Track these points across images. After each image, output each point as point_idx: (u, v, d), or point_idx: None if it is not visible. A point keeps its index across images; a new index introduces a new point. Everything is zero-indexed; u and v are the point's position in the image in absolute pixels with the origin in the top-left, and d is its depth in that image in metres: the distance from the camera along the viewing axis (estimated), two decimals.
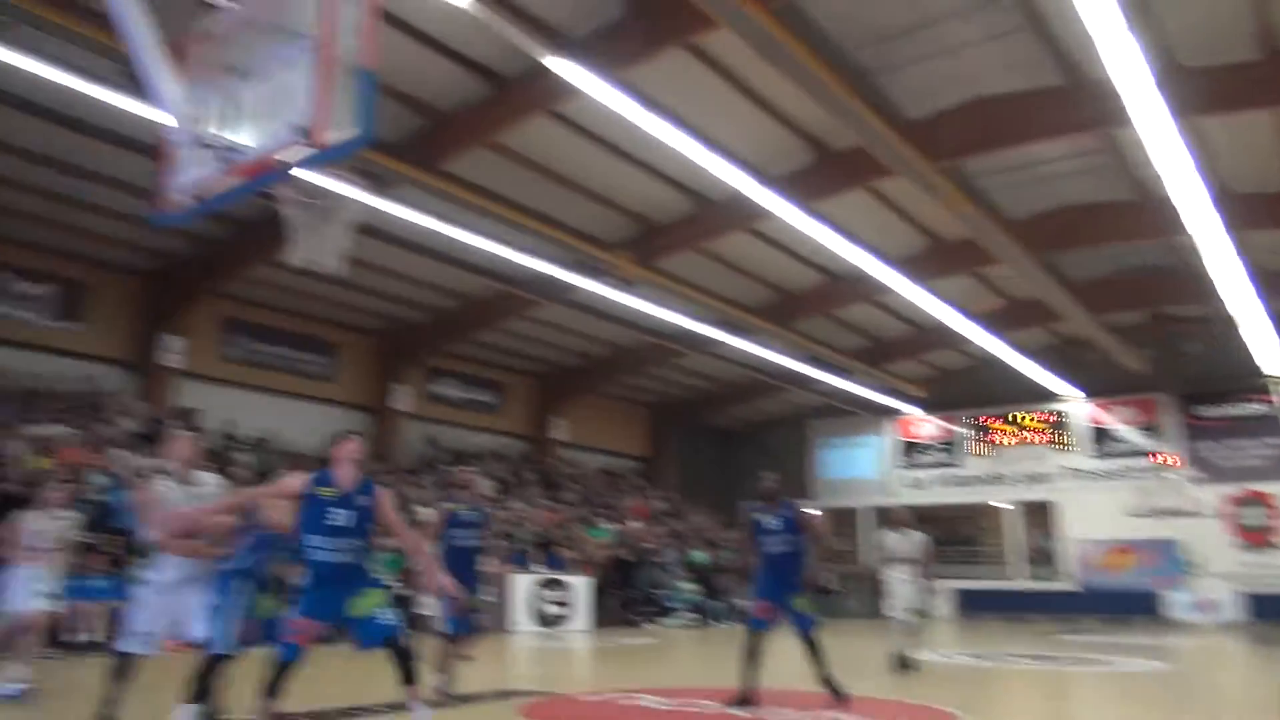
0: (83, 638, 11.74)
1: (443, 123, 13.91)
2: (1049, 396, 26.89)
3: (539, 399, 26.37)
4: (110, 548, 12.80)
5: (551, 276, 17.79)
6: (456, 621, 7.58)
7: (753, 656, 7.53)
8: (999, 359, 23.68)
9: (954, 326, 21.05)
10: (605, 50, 11.77)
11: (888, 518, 11.76)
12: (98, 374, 16.86)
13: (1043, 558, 28.54)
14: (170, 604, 5.76)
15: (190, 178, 5.56)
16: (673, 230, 17.58)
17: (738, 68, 13.22)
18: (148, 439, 15.77)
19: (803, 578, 7.69)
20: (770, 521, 7.75)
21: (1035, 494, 28.18)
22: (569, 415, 26.59)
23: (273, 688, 5.19)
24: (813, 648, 7.71)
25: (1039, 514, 29.38)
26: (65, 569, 8.12)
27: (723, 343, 22.27)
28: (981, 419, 29.17)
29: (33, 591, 7.43)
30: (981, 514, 30.63)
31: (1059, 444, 27.90)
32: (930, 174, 13.56)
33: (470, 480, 7.87)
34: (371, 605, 5.31)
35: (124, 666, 5.67)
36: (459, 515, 7.81)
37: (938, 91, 13.85)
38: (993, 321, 21.66)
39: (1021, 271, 17.89)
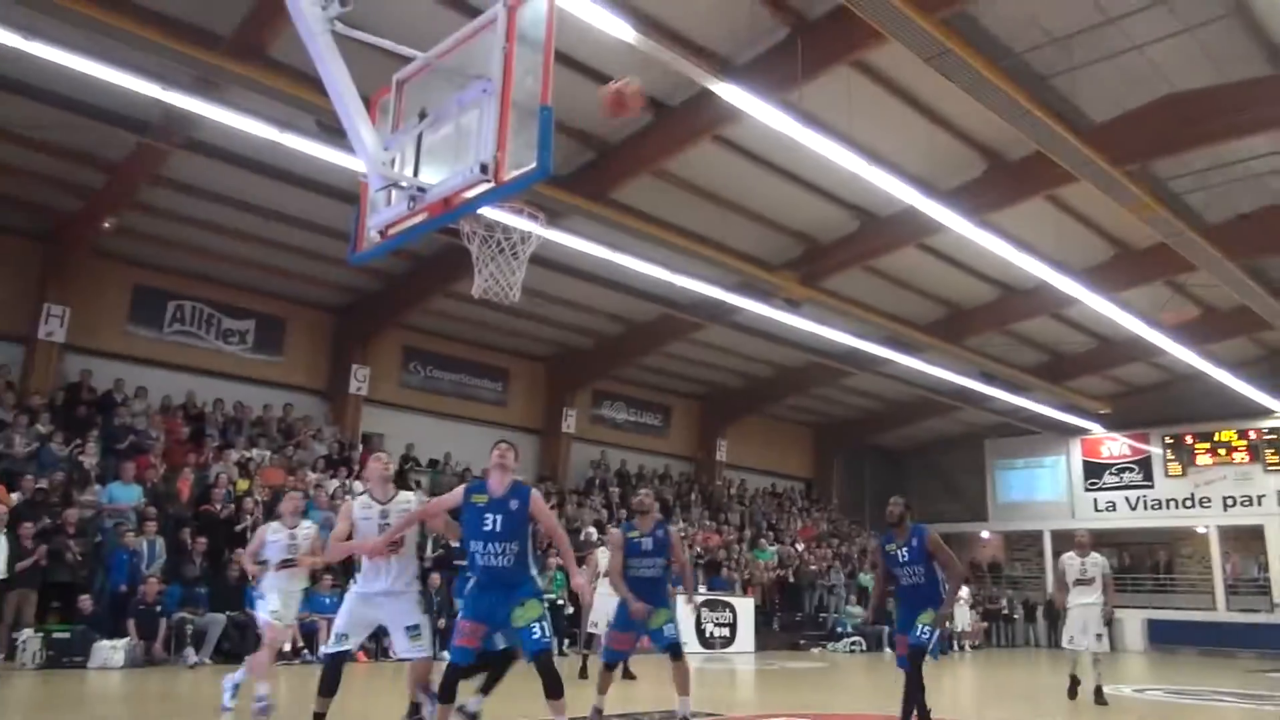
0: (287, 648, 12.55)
1: (610, 154, 14.23)
2: (1256, 412, 24.68)
3: (703, 421, 26.41)
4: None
5: (716, 299, 17.83)
6: (611, 652, 7.26)
7: (910, 694, 6.71)
8: (1197, 372, 21.96)
9: (1145, 339, 19.69)
10: (769, 72, 11.77)
11: (1071, 541, 11.31)
12: (293, 401, 18.09)
13: (1248, 587, 26.19)
14: (368, 614, 6.12)
15: (382, 217, 5.89)
16: (838, 249, 17.28)
17: (905, 81, 12.92)
18: (337, 461, 16.81)
19: (934, 609, 6.86)
20: (900, 552, 7.04)
21: (1241, 518, 25.89)
22: (733, 436, 26.49)
23: (445, 692, 5.44)
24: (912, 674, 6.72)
25: (1245, 539, 27.02)
26: (304, 581, 7.98)
27: (891, 361, 21.67)
28: (1177, 437, 27.14)
29: (275, 605, 7.34)
30: (1177, 539, 28.46)
31: (1269, 463, 25.55)
32: (1117, 178, 12.76)
33: (649, 505, 7.34)
34: (530, 617, 5.42)
35: (328, 671, 6.05)
36: (636, 543, 7.19)
37: (1123, 91, 13.05)
38: (1189, 333, 20.13)
39: (1222, 278, 16.56)
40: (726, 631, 18.53)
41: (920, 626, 6.73)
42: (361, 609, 6.09)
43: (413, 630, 6.03)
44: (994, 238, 14.73)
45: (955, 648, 22.77)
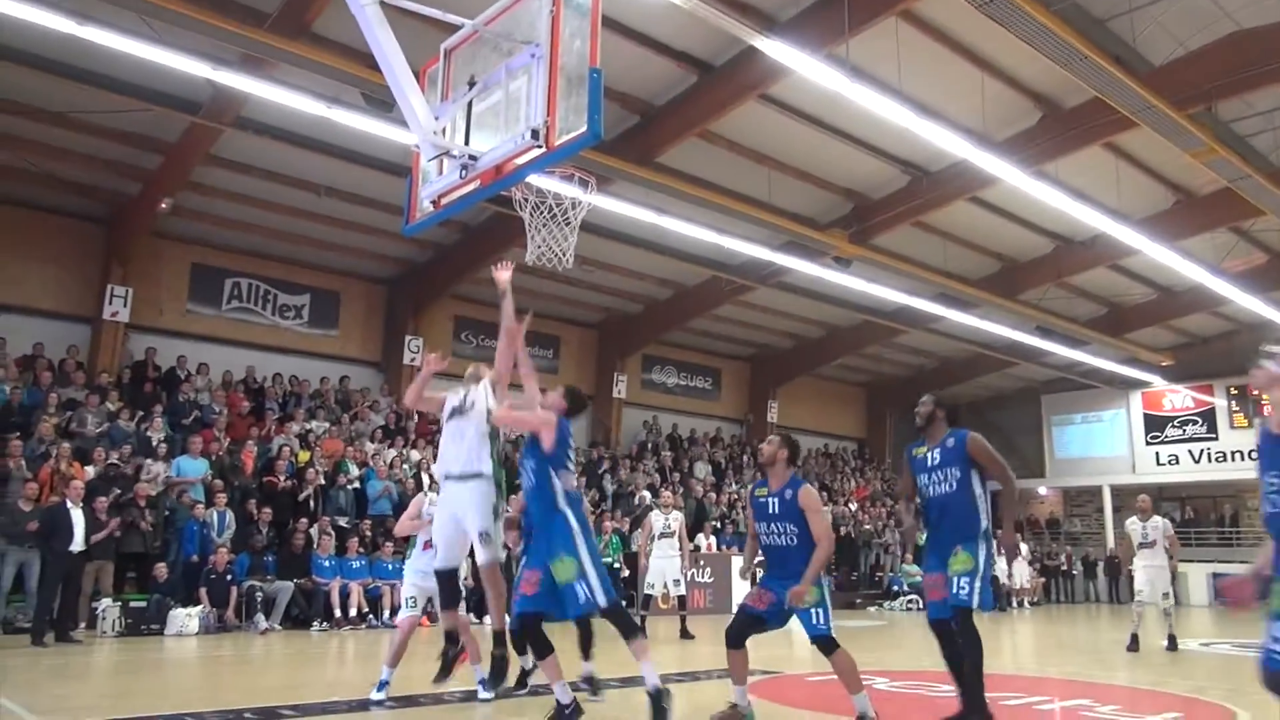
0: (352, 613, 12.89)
1: (656, 117, 14.14)
2: None
3: (753, 383, 26.36)
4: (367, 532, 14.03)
5: (765, 260, 17.74)
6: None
7: (956, 662, 5.42)
8: (1262, 320, 21.33)
9: (1208, 288, 19.16)
10: (815, 27, 11.57)
11: (1132, 496, 11.58)
12: (349, 373, 18.40)
13: None
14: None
15: (435, 187, 5.94)
16: (889, 205, 17.02)
17: (955, 30, 12.62)
18: (394, 432, 17.09)
19: (970, 546, 5.26)
20: (930, 454, 5.51)
21: None
22: (784, 398, 26.39)
23: (530, 643, 5.43)
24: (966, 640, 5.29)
25: None
26: None
27: (943, 318, 21.39)
28: (1241, 388, 26.45)
29: (413, 592, 6.83)
30: (1242, 492, 27.82)
31: None
32: (1179, 122, 12.36)
33: (769, 453, 5.77)
34: (567, 575, 5.25)
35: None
36: (762, 503, 5.65)
37: (1184, 31, 12.63)
38: (1254, 280, 19.55)
39: None
40: None
41: (957, 579, 5.18)
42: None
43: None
44: (1050, 188, 14.39)
45: (1015, 605, 22.62)
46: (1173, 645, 11.10)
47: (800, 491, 5.49)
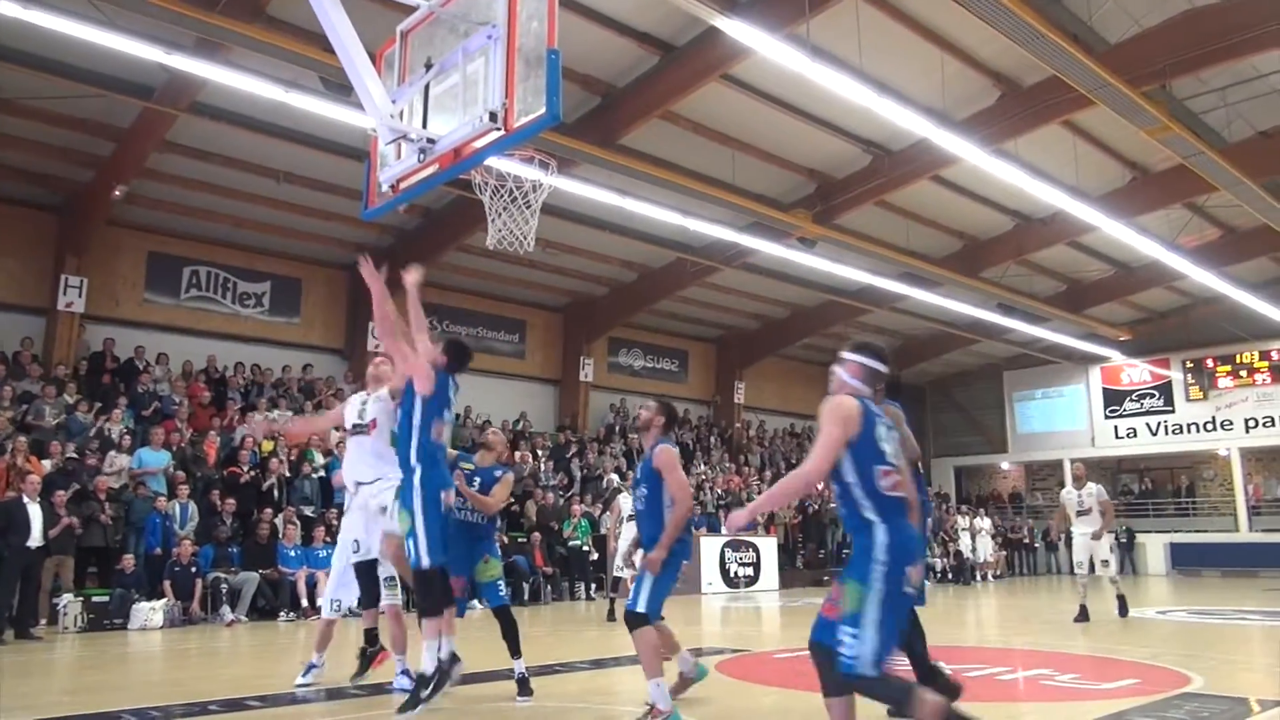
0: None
1: (618, 98, 14.07)
2: (1278, 332, 24.47)
3: (720, 364, 26.46)
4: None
5: (729, 241, 17.78)
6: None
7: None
8: (1217, 294, 21.76)
9: (1164, 263, 19.49)
10: (776, 6, 11.54)
11: (1074, 474, 11.93)
12: (313, 361, 18.20)
13: (1271, 507, 26.22)
14: None
15: (393, 171, 5.88)
16: (851, 184, 17.08)
17: (915, 8, 12.68)
18: None
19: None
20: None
21: (1263, 439, 25.83)
22: (750, 378, 26.52)
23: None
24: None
25: (1267, 460, 27.00)
26: None
27: (907, 296, 21.60)
28: (1198, 361, 27.00)
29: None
30: (1199, 463, 28.47)
31: None
32: (1135, 99, 12.52)
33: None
34: (404, 529, 5.54)
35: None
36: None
37: (1139, 9, 12.77)
38: (1209, 255, 19.90)
39: (1243, 198, 16.29)
40: (750, 571, 18.75)
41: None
42: None
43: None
44: (1009, 166, 14.55)
45: (978, 578, 22.99)
46: (1123, 609, 11.28)
47: (656, 452, 5.40)
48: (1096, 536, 11.23)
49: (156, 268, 16.71)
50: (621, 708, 5.80)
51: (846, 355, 4.11)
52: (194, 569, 12.04)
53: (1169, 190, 17.74)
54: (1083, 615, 10.99)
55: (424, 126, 5.46)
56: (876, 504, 3.73)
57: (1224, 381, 26.48)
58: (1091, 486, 11.45)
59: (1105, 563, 11.40)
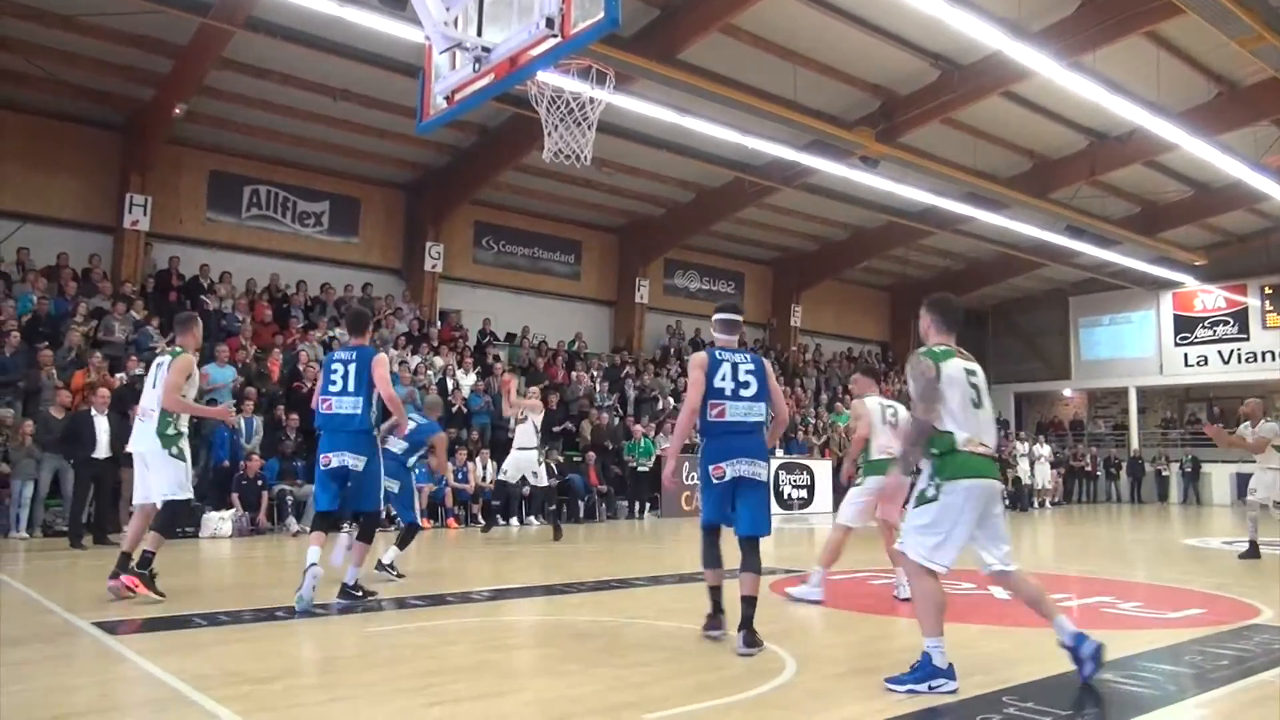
0: None
1: (676, 11, 13.64)
2: None
3: (777, 286, 26.15)
4: None
5: (789, 160, 17.38)
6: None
7: None
8: None
9: (1246, 184, 18.61)
10: None
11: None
12: (372, 280, 18.37)
13: None
14: None
15: (448, 82, 5.76)
16: (917, 101, 16.46)
17: None
18: (417, 338, 17.14)
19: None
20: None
21: None
22: (807, 302, 26.19)
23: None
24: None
25: None
26: None
27: (971, 218, 21.00)
28: (1276, 287, 25.96)
29: None
30: (1272, 392, 27.52)
31: None
32: (1227, 6, 11.76)
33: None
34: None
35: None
36: None
37: None
38: None
39: None
40: (804, 493, 18.81)
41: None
42: None
43: None
44: (1086, 81, 13.85)
45: (1035, 505, 22.77)
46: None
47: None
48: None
49: (218, 186, 16.90)
50: (672, 623, 5.85)
51: None
52: (260, 482, 12.40)
53: (1257, 106, 16.80)
54: (1253, 551, 10.15)
55: (479, 35, 5.33)
56: None
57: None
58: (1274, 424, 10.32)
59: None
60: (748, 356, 5.34)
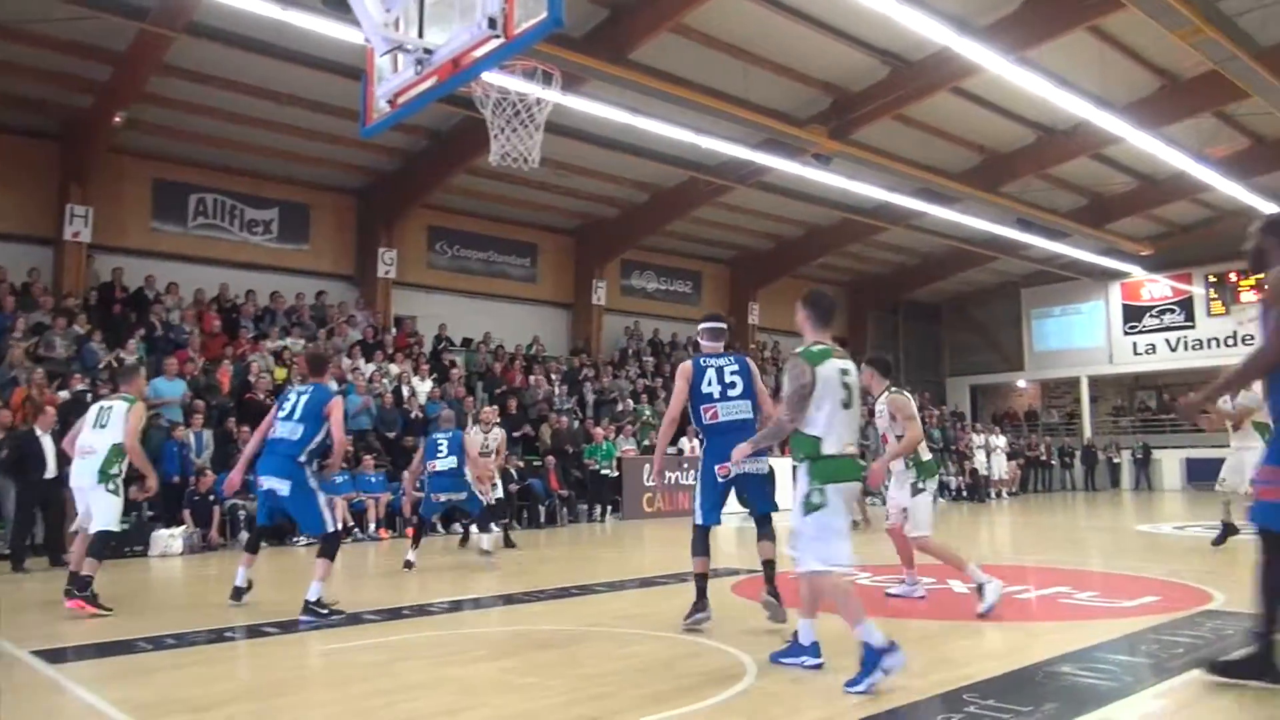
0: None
1: (626, 11, 13.57)
2: None
3: (734, 285, 26.20)
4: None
5: (743, 159, 17.40)
6: None
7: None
8: (1243, 207, 21.19)
9: (1190, 175, 18.98)
10: None
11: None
12: (324, 288, 18.07)
13: None
14: None
15: (390, 85, 5.65)
16: (869, 98, 16.56)
17: None
18: (371, 346, 16.89)
19: None
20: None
21: None
22: (764, 299, 26.26)
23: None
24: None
25: None
26: None
27: (924, 214, 21.21)
28: (1220, 275, 26.55)
29: None
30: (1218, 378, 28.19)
31: None
32: (1167, 1, 11.96)
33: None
34: None
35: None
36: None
37: None
38: (1237, 166, 19.35)
39: (1275, 104, 15.74)
40: None
41: None
42: None
43: None
44: (1033, 75, 14.02)
45: (993, 495, 23.04)
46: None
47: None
48: None
49: (163, 195, 16.52)
50: (633, 629, 5.78)
51: None
52: (211, 497, 12.12)
53: (1198, 98, 17.14)
54: (1227, 533, 9.86)
55: (420, 36, 5.22)
56: None
57: (1247, 296, 26.03)
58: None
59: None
60: (732, 359, 5.85)
